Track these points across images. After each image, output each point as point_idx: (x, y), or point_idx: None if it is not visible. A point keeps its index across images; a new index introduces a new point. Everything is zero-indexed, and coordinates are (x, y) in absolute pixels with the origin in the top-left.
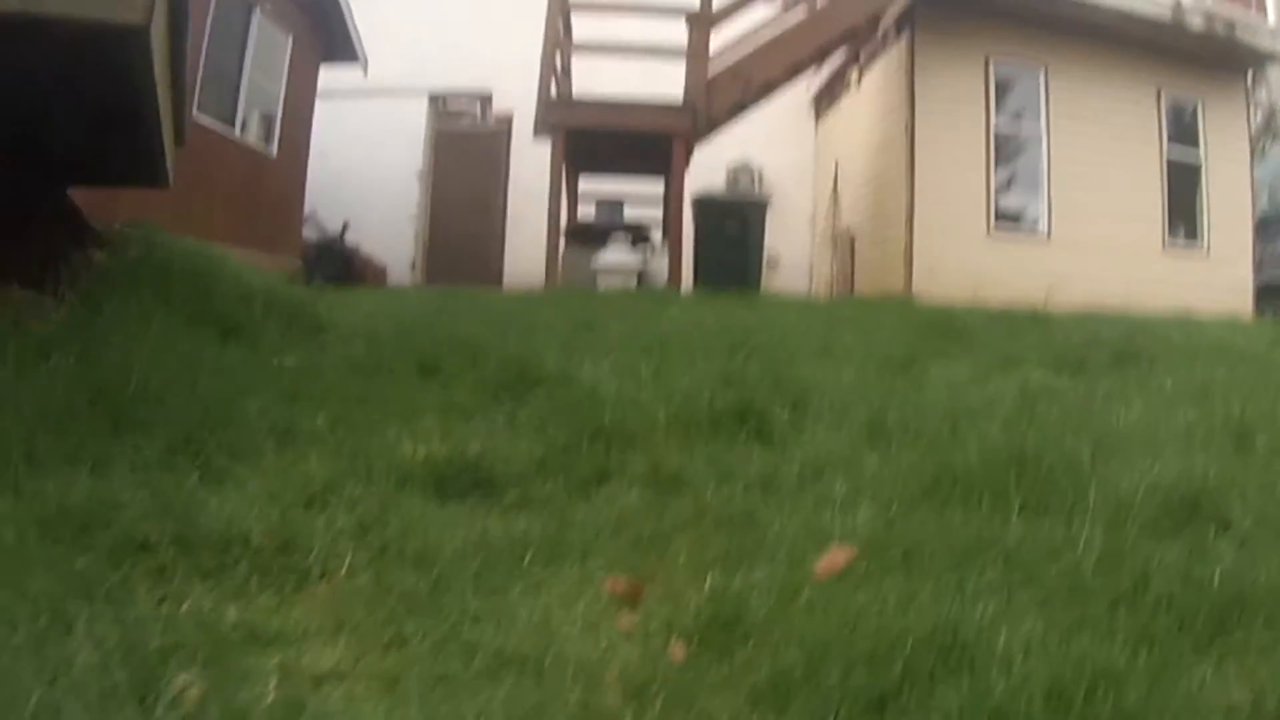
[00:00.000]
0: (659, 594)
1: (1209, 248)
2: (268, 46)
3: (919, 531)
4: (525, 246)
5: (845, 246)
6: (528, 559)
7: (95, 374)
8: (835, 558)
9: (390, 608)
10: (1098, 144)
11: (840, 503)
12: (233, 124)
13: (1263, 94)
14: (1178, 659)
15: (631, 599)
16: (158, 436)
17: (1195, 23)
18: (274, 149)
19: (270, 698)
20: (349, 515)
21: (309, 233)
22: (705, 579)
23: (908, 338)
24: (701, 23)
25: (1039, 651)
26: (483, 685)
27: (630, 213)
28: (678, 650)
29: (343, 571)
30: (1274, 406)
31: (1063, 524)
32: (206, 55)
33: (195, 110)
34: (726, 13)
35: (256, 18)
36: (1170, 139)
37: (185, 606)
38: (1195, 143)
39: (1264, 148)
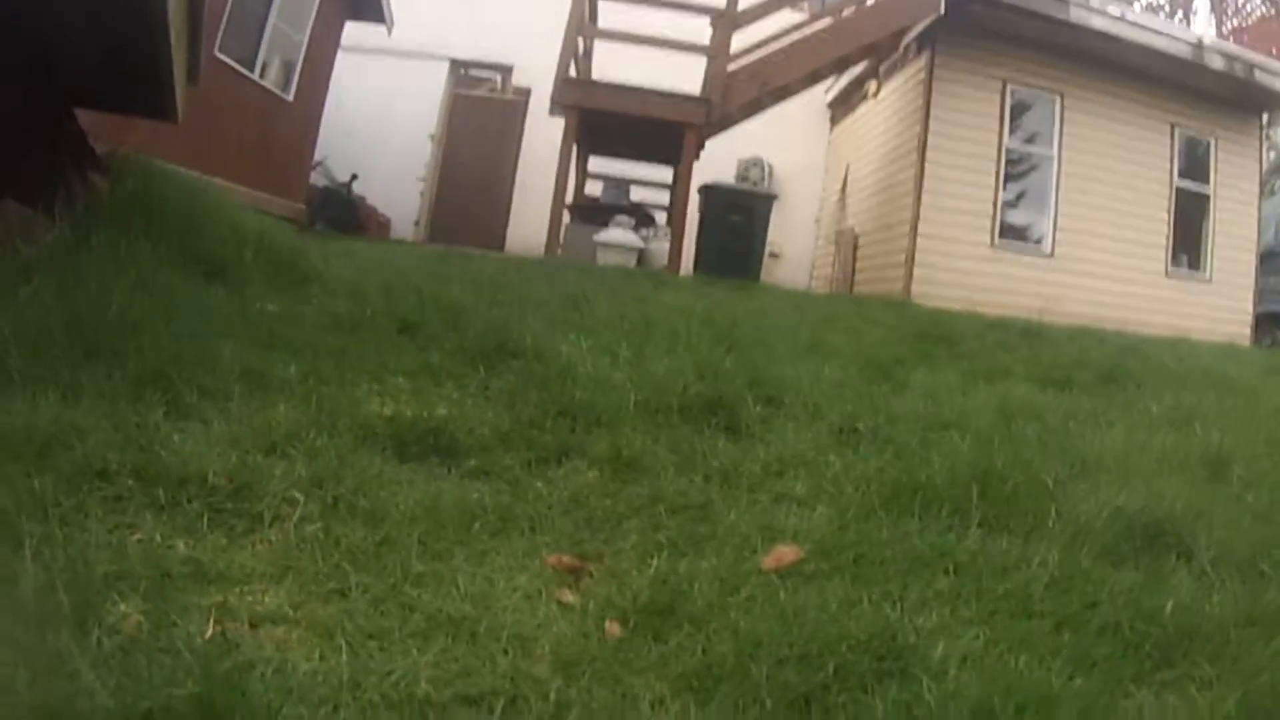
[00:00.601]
0: (603, 574)
1: (1212, 277)
2: None
3: (872, 537)
4: (530, 216)
5: (848, 247)
6: (476, 527)
7: (74, 301)
8: (783, 555)
9: (335, 560)
10: (1108, 171)
11: (798, 502)
12: (253, 66)
13: (1277, 135)
14: (1116, 687)
15: (573, 575)
16: (129, 368)
17: (1215, 62)
18: (291, 94)
19: (206, 634)
20: (307, 466)
21: (318, 179)
22: (650, 563)
23: (896, 341)
24: (725, 22)
25: (974, 666)
26: (415, 644)
27: (637, 195)
28: (613, 629)
29: (294, 520)
30: (1255, 438)
31: (1020, 543)
32: None
33: (217, 49)
34: (752, 15)
35: None
36: (1181, 172)
37: (136, 537)
38: (1205, 177)
39: (1273, 186)
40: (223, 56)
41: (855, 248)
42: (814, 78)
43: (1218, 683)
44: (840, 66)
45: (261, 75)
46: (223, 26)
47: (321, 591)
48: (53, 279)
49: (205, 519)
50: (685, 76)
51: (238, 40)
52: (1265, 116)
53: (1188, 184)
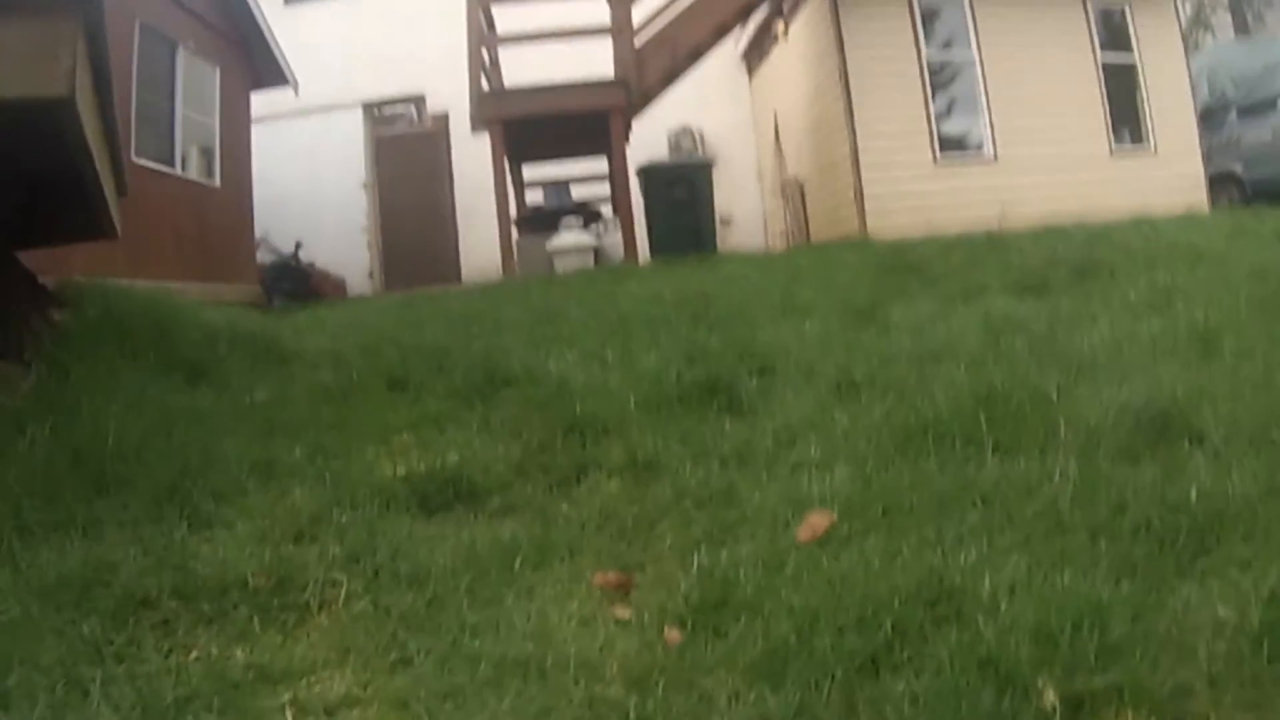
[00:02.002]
0: (649, 582)
1: (1156, 147)
2: (196, 81)
3: (896, 486)
4: (479, 240)
5: (795, 196)
6: (517, 564)
7: (72, 439)
8: (816, 523)
9: (391, 630)
10: (1030, 61)
11: (816, 466)
12: (172, 162)
13: None
14: (1160, 583)
15: (622, 590)
16: (142, 491)
17: None
18: (217, 180)
19: None
20: (339, 544)
21: (264, 256)
22: (692, 561)
23: (867, 281)
24: None
25: (1023, 593)
26: (489, 694)
27: (578, 193)
28: (672, 635)
29: (340, 600)
30: (1237, 305)
31: (1036, 460)
32: (137, 99)
33: (134, 154)
34: None
35: (181, 55)
36: (1103, 46)
37: (193, 655)
38: (1128, 46)
39: (1197, 40)
40: (142, 160)
41: (802, 195)
42: (721, 31)
43: (1256, 560)
44: (744, 14)
45: (184, 168)
46: (134, 131)
47: (385, 665)
48: (45, 423)
49: (255, 621)
50: (599, 63)
51: (152, 140)
52: None
53: (1112, 56)
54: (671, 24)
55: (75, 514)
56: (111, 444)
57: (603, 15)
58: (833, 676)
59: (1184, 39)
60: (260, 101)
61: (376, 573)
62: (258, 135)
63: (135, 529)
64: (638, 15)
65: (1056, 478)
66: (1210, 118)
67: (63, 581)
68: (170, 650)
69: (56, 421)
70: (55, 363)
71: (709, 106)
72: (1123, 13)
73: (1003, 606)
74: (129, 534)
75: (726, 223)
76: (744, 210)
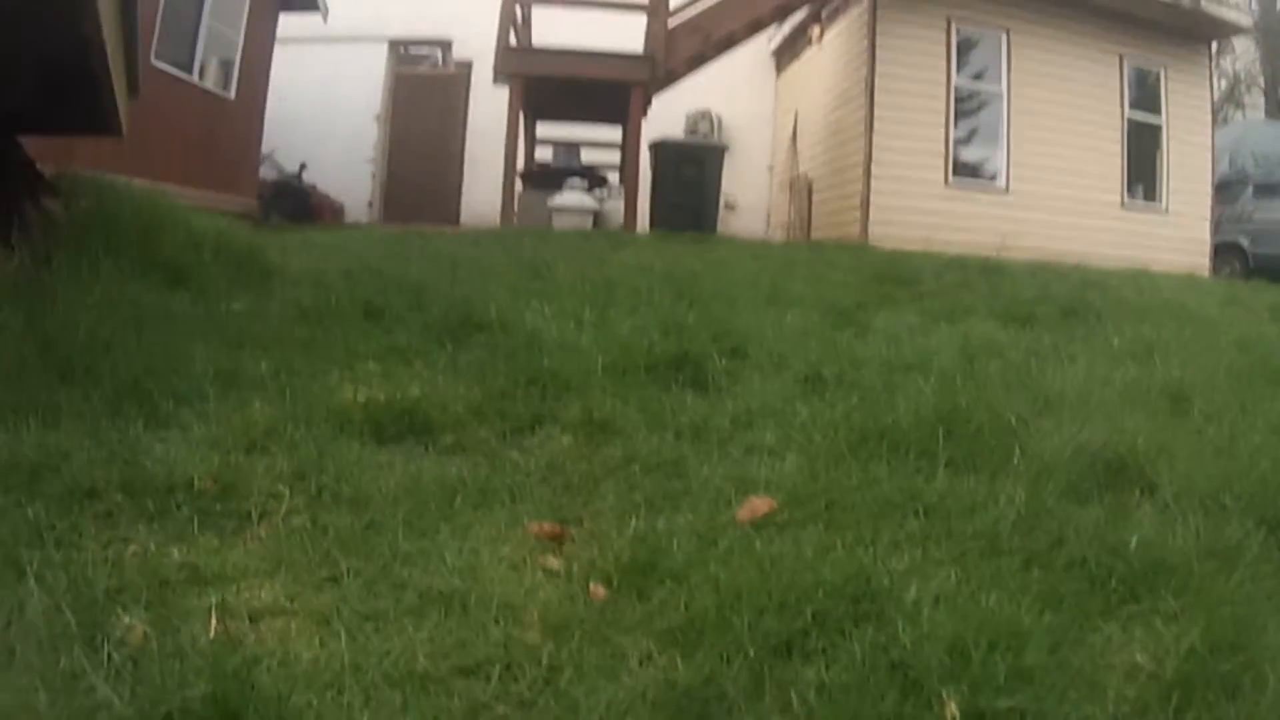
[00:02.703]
0: (584, 537)
1: (1168, 207)
2: None
3: (842, 483)
4: (482, 188)
5: (803, 193)
6: (458, 502)
7: (44, 327)
8: (757, 506)
9: (325, 548)
10: (1058, 105)
11: (768, 452)
12: (190, 69)
13: (1228, 63)
14: (1084, 621)
15: (555, 541)
16: (105, 386)
17: None
18: (232, 93)
19: (210, 635)
20: (288, 459)
21: (267, 172)
22: (629, 523)
23: (856, 285)
24: None
25: (947, 606)
26: (410, 621)
27: (588, 157)
28: (597, 591)
29: (281, 514)
30: (1215, 370)
31: (986, 482)
32: (165, 4)
33: (153, 57)
34: None
35: None
36: (1132, 104)
37: (131, 549)
38: (1156, 108)
39: (1226, 115)
40: (160, 64)
41: (810, 193)
42: (756, 26)
43: (1182, 616)
44: (782, 14)
45: (200, 77)
46: (156, 33)
47: (315, 580)
48: (20, 308)
49: (196, 523)
50: (628, 36)
51: (173, 45)
52: (1214, 45)
53: (1139, 115)
54: (708, 11)
55: (36, 400)
56: (82, 336)
57: None
58: (745, 654)
59: (1213, 110)
60: (286, 23)
61: (320, 492)
62: (281, 55)
63: (92, 420)
64: None
65: (1002, 502)
66: (1226, 190)
67: (14, 464)
68: (109, 542)
69: (31, 308)
70: (39, 250)
71: (732, 95)
72: (1158, 76)
73: (924, 615)
74: (86, 425)
75: (731, 208)
76: (750, 199)
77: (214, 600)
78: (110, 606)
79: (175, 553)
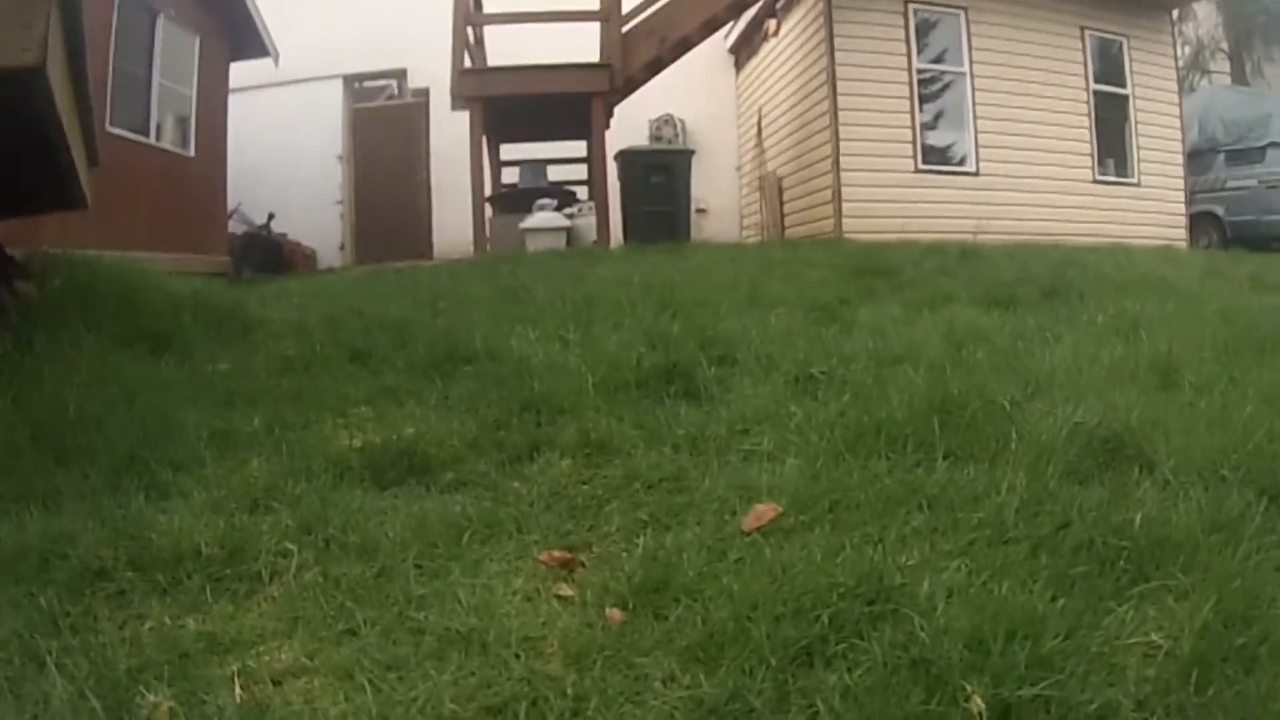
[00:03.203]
0: (594, 561)
1: (1140, 180)
2: (175, 51)
3: (844, 483)
4: (452, 217)
5: (773, 191)
6: (465, 539)
7: (33, 410)
8: (762, 514)
9: (339, 601)
10: (1022, 82)
11: (767, 458)
12: (147, 131)
13: (1190, 30)
14: (1097, 603)
15: (566, 568)
16: (101, 462)
17: None
18: (191, 150)
19: (236, 702)
20: (292, 515)
21: (235, 226)
22: (637, 543)
23: (837, 280)
24: None
25: (960, 598)
26: (431, 666)
27: (555, 174)
28: (613, 615)
29: (291, 570)
30: (1202, 341)
31: (986, 470)
32: (114, 68)
33: (108, 123)
34: None
35: (161, 24)
36: (1097, 76)
37: (147, 626)
38: (1122, 80)
39: (1192, 82)
40: (116, 130)
41: (780, 191)
42: (711, 25)
43: (1193, 592)
44: (736, 10)
45: (158, 138)
46: (109, 99)
47: (333, 635)
48: (6, 394)
49: (208, 591)
50: (584, 47)
51: (127, 109)
52: (1175, 12)
53: (1105, 87)
54: (661, 13)
55: (34, 485)
56: (72, 415)
57: (592, 0)
58: (767, 665)
59: (1179, 79)
60: (239, 70)
61: (327, 543)
62: (235, 104)
63: (94, 500)
64: (629, 2)
65: (1004, 489)
66: (1198, 158)
67: (21, 553)
68: (125, 621)
69: (18, 393)
70: (19, 334)
71: (693, 97)
72: (1120, 46)
73: (939, 609)
74: (87, 505)
75: (703, 212)
76: (721, 201)
77: (235, 667)
78: (133, 686)
79: (191, 623)
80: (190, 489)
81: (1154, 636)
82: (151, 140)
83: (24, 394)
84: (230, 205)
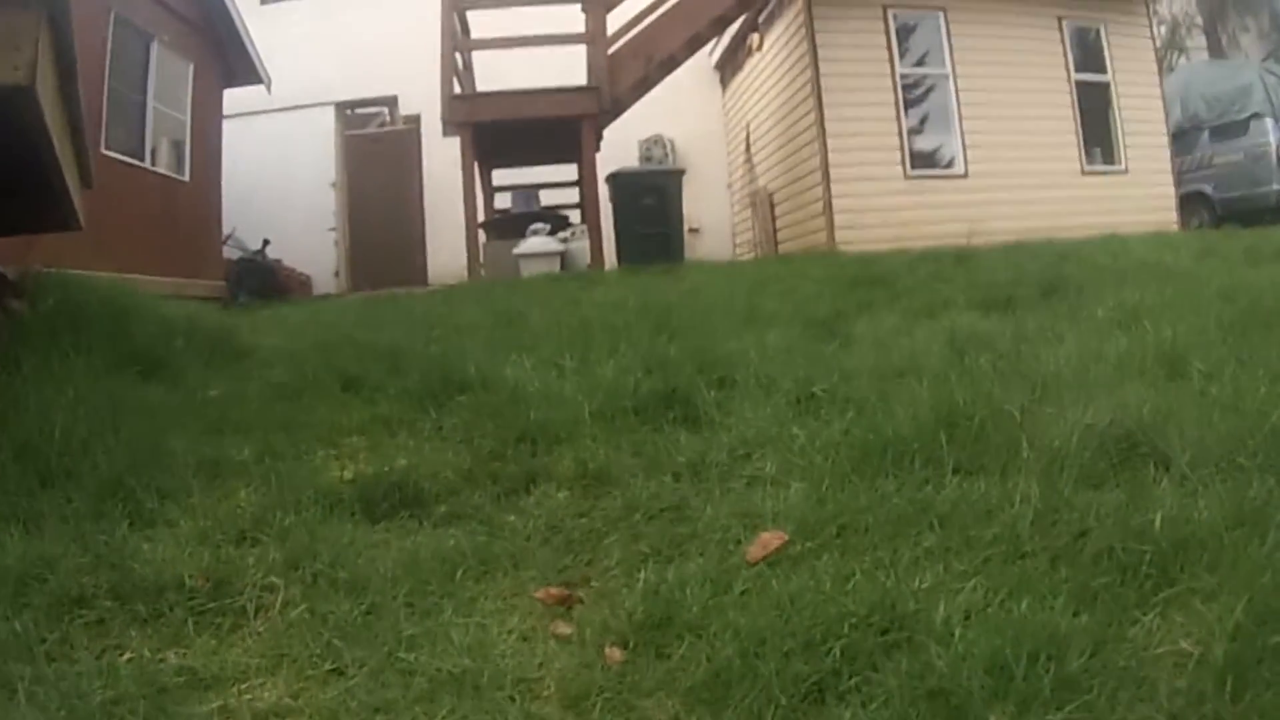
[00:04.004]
0: (593, 598)
1: (1128, 166)
2: (169, 76)
3: (852, 505)
4: (446, 243)
5: (765, 207)
6: (459, 575)
7: (18, 431)
8: (767, 542)
9: (326, 639)
10: (1004, 78)
11: (770, 483)
12: (142, 155)
13: (1164, 9)
14: (1121, 614)
15: (564, 605)
16: (86, 487)
17: None
18: (186, 174)
19: None
20: (280, 548)
21: (230, 252)
22: (638, 577)
23: (832, 294)
24: (597, 5)
25: (978, 621)
26: (421, 709)
27: (547, 198)
28: (614, 654)
29: (277, 606)
30: (1206, 326)
31: (997, 481)
32: (109, 91)
33: (103, 146)
34: None
35: (155, 50)
36: (1077, 65)
37: (125, 657)
38: (1102, 66)
39: (1171, 61)
40: (111, 153)
41: (772, 206)
42: (695, 43)
43: (1221, 591)
44: (720, 26)
45: (153, 162)
46: (104, 123)
47: (319, 675)
48: None
49: (190, 624)
50: (572, 71)
51: (122, 132)
52: None
53: (1086, 76)
54: (645, 33)
55: (17, 507)
56: (58, 437)
57: (578, 22)
58: (776, 704)
59: (1158, 59)
60: (233, 97)
61: (315, 579)
62: (229, 130)
63: (77, 525)
64: (613, 23)
65: (1017, 501)
66: (1182, 138)
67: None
68: (103, 651)
69: (3, 412)
70: (8, 352)
71: (681, 116)
72: (1097, 32)
73: (956, 635)
74: (70, 530)
75: (695, 232)
76: (713, 220)
77: (216, 705)
78: None
79: (172, 657)
80: (176, 518)
81: (1183, 644)
82: (146, 163)
83: (9, 414)
84: (225, 230)
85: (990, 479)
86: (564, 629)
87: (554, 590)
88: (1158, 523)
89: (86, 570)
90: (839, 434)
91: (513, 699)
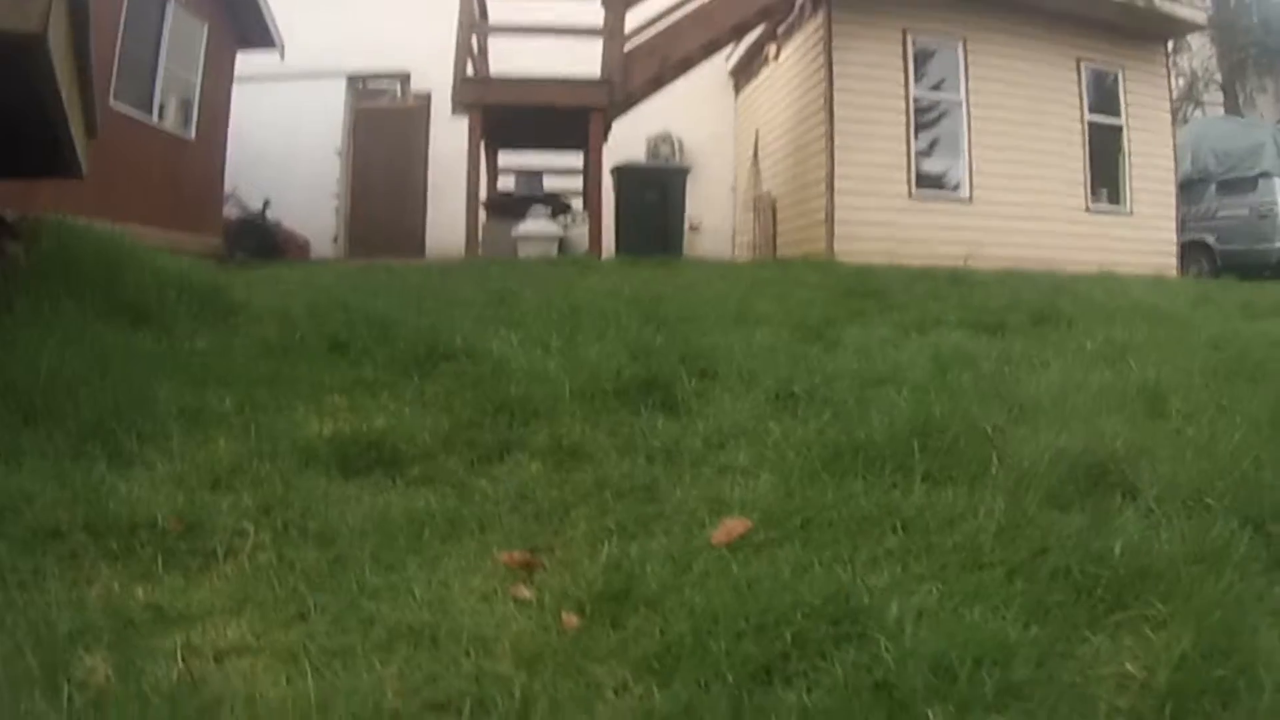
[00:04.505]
0: (555, 565)
1: (1133, 209)
2: (183, 35)
3: (818, 501)
4: (447, 219)
5: (767, 211)
6: (427, 534)
7: (5, 368)
8: (732, 528)
9: (292, 585)
10: (1018, 111)
11: (741, 472)
12: (150, 110)
13: (1185, 61)
14: (1071, 632)
15: (527, 570)
16: (68, 426)
17: None
18: (192, 133)
19: (174, 675)
20: (254, 495)
21: (231, 211)
22: (601, 550)
23: (825, 301)
24: (617, 3)
25: (930, 622)
26: (379, 657)
27: (550, 184)
28: (570, 620)
29: (246, 551)
30: (1190, 369)
31: (965, 493)
32: (122, 46)
33: (112, 99)
34: None
35: (171, 8)
36: (1092, 106)
37: (95, 591)
38: (1116, 110)
39: (1186, 113)
40: (119, 106)
41: (774, 212)
42: (713, 47)
43: (1171, 621)
44: (738, 33)
45: (160, 119)
46: (114, 77)
47: (281, 618)
48: None
49: (160, 562)
50: (586, 62)
51: (131, 88)
52: (1170, 44)
53: (1099, 118)
54: (664, 34)
55: None
56: (44, 377)
57: (596, 17)
58: (724, 681)
59: (1173, 110)
60: (245, 62)
61: (286, 527)
62: (240, 94)
63: (56, 462)
64: (633, 21)
65: (981, 513)
66: (1190, 188)
67: None
68: (73, 583)
69: None
70: (1, 292)
71: (692, 117)
72: (1115, 77)
73: (907, 632)
74: (49, 466)
75: (695, 229)
76: (714, 220)
77: (179, 640)
78: (73, 649)
79: (140, 593)
80: (154, 461)
81: (1129, 667)
82: (153, 120)
83: None
84: (227, 189)
85: (958, 490)
86: (524, 593)
87: (518, 555)
88: (1118, 549)
89: (63, 505)
90: (814, 433)
91: (468, 654)
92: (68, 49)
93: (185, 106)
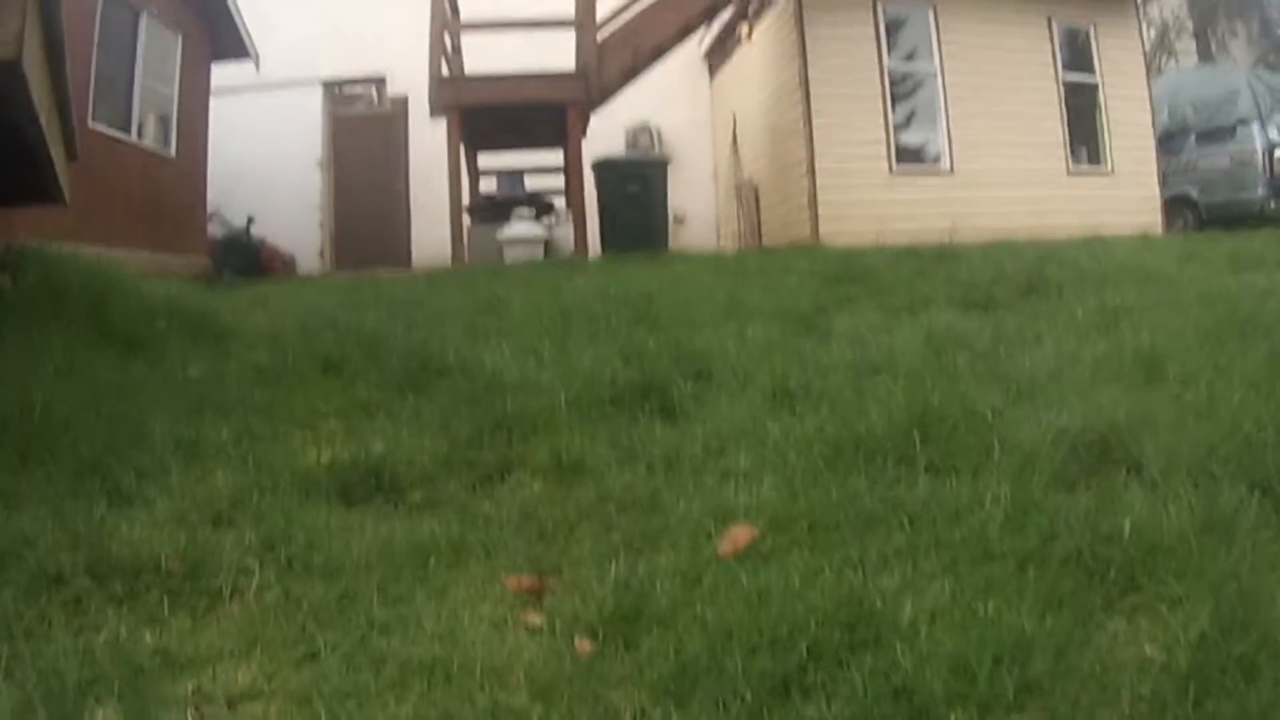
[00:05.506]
0: (564, 587)
1: (1114, 167)
2: (158, 49)
3: (823, 501)
4: (431, 225)
5: (750, 198)
6: (432, 562)
7: (1, 405)
8: (738, 537)
9: (300, 623)
10: (993, 76)
11: (743, 477)
12: (128, 129)
13: (1154, 12)
14: (1087, 618)
15: (535, 595)
16: (65, 464)
17: None
18: (172, 150)
19: None
20: (256, 530)
21: (215, 229)
22: (609, 569)
23: (814, 288)
24: None
25: (945, 621)
26: (392, 695)
27: (532, 183)
28: (583, 645)
29: (252, 589)
30: (1184, 330)
31: (969, 482)
32: (97, 64)
33: (90, 119)
34: None
35: (144, 22)
36: (1065, 65)
37: (102, 637)
38: (1090, 67)
39: (1160, 65)
40: (97, 126)
41: (757, 198)
42: (685, 31)
43: (1187, 599)
44: (709, 15)
45: (139, 136)
46: (91, 96)
47: (292, 658)
48: None
49: (166, 604)
50: (559, 55)
51: (109, 106)
52: None
53: (1074, 76)
54: (635, 21)
55: None
56: (38, 415)
57: (567, 8)
58: (742, 699)
59: (1147, 62)
60: (220, 74)
61: (290, 562)
62: (216, 108)
63: (56, 503)
64: (602, 10)
65: (987, 502)
66: (1169, 141)
67: None
68: (80, 630)
69: None
70: None
71: (669, 105)
72: (1087, 33)
73: (922, 634)
74: (49, 508)
75: (680, 221)
76: (698, 209)
77: (190, 685)
78: (83, 699)
79: (147, 637)
80: (154, 497)
81: (1148, 650)
82: (133, 138)
83: None
84: (210, 208)
85: (962, 479)
86: (535, 619)
87: (525, 579)
88: (1127, 528)
89: (64, 548)
90: (813, 430)
91: (482, 687)
92: (44, 73)
93: (164, 122)
